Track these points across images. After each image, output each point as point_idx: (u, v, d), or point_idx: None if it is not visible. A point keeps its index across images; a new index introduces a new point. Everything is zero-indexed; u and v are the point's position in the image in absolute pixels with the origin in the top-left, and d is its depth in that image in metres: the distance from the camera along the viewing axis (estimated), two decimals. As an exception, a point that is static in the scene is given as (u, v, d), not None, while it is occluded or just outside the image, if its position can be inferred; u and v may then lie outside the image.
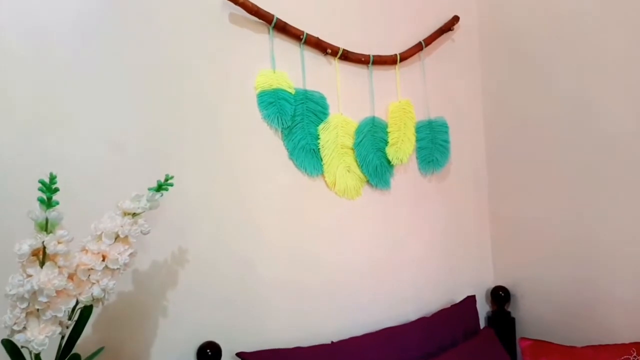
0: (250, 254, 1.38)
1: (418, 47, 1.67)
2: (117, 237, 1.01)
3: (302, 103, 1.47)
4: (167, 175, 1.09)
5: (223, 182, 1.34)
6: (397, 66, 1.64)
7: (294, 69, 1.46)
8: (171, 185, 1.09)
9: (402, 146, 1.63)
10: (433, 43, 1.71)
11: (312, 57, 1.50)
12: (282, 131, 1.44)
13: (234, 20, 1.38)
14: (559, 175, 1.63)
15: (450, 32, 1.75)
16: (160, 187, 1.08)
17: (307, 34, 1.45)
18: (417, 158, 1.69)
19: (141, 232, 1.04)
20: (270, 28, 1.41)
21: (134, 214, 1.04)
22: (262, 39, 1.42)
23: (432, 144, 1.70)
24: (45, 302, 0.87)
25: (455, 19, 1.75)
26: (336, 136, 1.52)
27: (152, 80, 1.26)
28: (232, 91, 1.37)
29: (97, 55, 1.19)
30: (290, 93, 1.44)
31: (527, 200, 1.72)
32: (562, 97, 1.60)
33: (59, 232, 0.88)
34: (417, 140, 1.67)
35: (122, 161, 1.21)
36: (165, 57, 1.28)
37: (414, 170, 1.69)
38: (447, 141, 1.73)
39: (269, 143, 1.42)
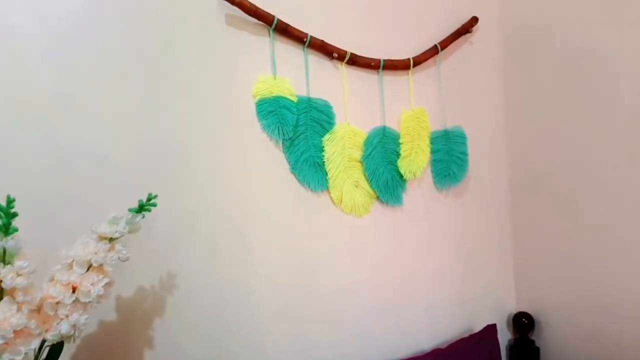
0: (246, 278, 1.26)
1: (433, 51, 1.55)
2: (90, 266, 0.90)
3: (306, 112, 1.36)
4: (149, 194, 0.99)
5: (216, 199, 1.24)
6: (410, 71, 1.53)
7: (296, 75, 1.35)
8: (154, 205, 0.98)
9: (415, 159, 1.51)
10: (450, 46, 1.59)
11: (316, 61, 1.39)
12: (283, 143, 1.33)
13: (231, 22, 1.27)
14: (590, 192, 1.49)
15: (468, 34, 1.62)
16: (141, 208, 0.97)
17: (311, 36, 1.34)
18: (432, 171, 1.57)
19: (119, 259, 0.94)
20: (271, 30, 1.31)
21: (111, 239, 0.93)
22: (261, 42, 1.31)
23: (449, 156, 1.58)
24: (1, 344, 0.76)
25: (474, 19, 1.62)
26: (343, 148, 1.41)
27: (138, 86, 1.16)
28: (228, 99, 1.26)
29: (79, 61, 1.09)
30: (292, 101, 1.33)
31: (554, 218, 1.59)
32: (596, 104, 1.47)
33: (18, 263, 0.78)
34: (432, 152, 1.55)
35: (104, 176, 1.10)
36: (153, 62, 1.18)
37: (429, 184, 1.57)
38: (465, 153, 1.60)
39: (268, 155, 1.31)
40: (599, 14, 1.44)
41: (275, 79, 1.31)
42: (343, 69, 1.43)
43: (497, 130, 1.71)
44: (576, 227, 1.53)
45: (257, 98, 1.29)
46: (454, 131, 1.59)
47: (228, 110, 1.26)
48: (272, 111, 1.30)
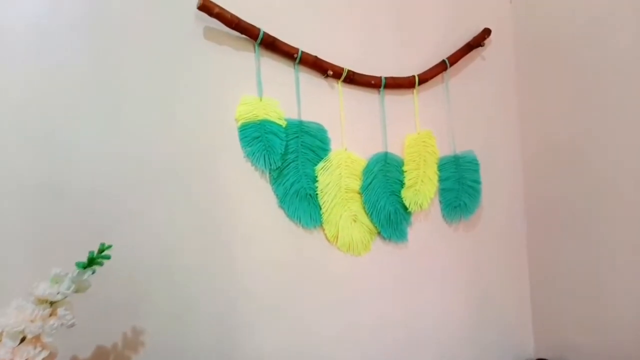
0: (227, 331, 1.11)
1: (441, 67, 1.40)
2: (24, 338, 0.75)
3: (296, 137, 1.21)
4: (102, 244, 0.84)
5: (191, 240, 1.08)
6: (415, 90, 1.38)
7: (286, 96, 1.21)
8: (107, 258, 0.84)
9: (421, 188, 1.35)
10: (459, 61, 1.44)
11: (309, 80, 1.24)
12: (270, 173, 1.18)
13: (210, 36, 1.13)
14: (615, 224, 1.33)
15: (480, 47, 1.48)
16: (92, 262, 0.82)
17: (302, 51, 1.20)
18: (440, 202, 1.41)
19: (62, 325, 0.78)
20: (256, 45, 1.16)
21: (52, 302, 0.78)
22: (245, 58, 1.17)
23: (459, 184, 1.42)
24: None
25: (486, 32, 1.48)
26: (339, 178, 1.26)
27: (98, 110, 1.01)
28: (207, 123, 1.12)
29: (38, 80, 0.95)
30: (281, 125, 1.18)
31: (576, 253, 1.42)
32: (618, 126, 1.31)
33: None
34: (440, 180, 1.40)
35: (58, 213, 0.95)
36: (118, 82, 1.03)
37: (437, 217, 1.41)
38: (477, 181, 1.44)
39: (253, 188, 1.16)
40: (620, 26, 1.29)
41: (261, 100, 1.17)
42: (339, 88, 1.28)
43: (512, 155, 1.55)
44: (601, 263, 1.37)
45: (240, 122, 1.15)
46: (465, 156, 1.44)
47: (206, 136, 1.11)
48: (258, 137, 1.16)
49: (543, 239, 1.52)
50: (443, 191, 1.41)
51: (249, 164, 1.16)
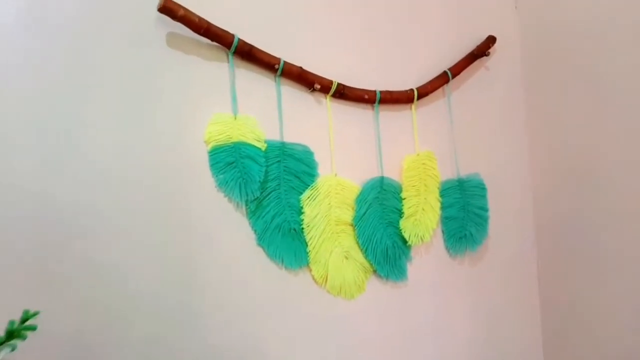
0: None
1: (442, 79, 1.25)
2: None
3: (278, 161, 1.04)
4: (26, 311, 0.66)
5: (153, 289, 0.90)
6: (413, 105, 1.22)
7: (265, 113, 1.04)
8: (33, 328, 0.65)
9: (422, 218, 1.19)
10: (462, 72, 1.29)
11: (292, 94, 1.08)
12: (247, 205, 1.00)
13: (175, 43, 0.96)
14: (636, 253, 1.19)
15: (484, 57, 1.33)
16: (11, 335, 0.64)
17: (284, 61, 1.04)
18: (443, 232, 1.25)
19: None
20: (230, 54, 1.00)
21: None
22: (217, 69, 1.00)
23: (464, 212, 1.26)
24: None
25: (491, 40, 1.34)
26: (329, 208, 1.09)
27: (39, 139, 0.83)
28: (170, 147, 0.95)
29: None
30: (259, 148, 1.01)
31: (595, 291, 1.27)
32: (636, 141, 1.17)
33: None
34: (443, 207, 1.24)
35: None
36: (63, 98, 0.85)
37: (439, 250, 1.25)
38: (484, 208, 1.29)
39: (226, 222, 0.99)
40: (636, 33, 1.16)
41: (235, 119, 1.00)
42: (328, 103, 1.12)
43: (520, 177, 1.40)
44: (617, 293, 1.22)
45: (211, 145, 0.98)
46: (470, 180, 1.28)
47: (169, 162, 0.94)
48: (232, 163, 0.99)
49: (557, 273, 1.36)
50: (446, 220, 1.25)
51: (222, 194, 0.99)
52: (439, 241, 1.25)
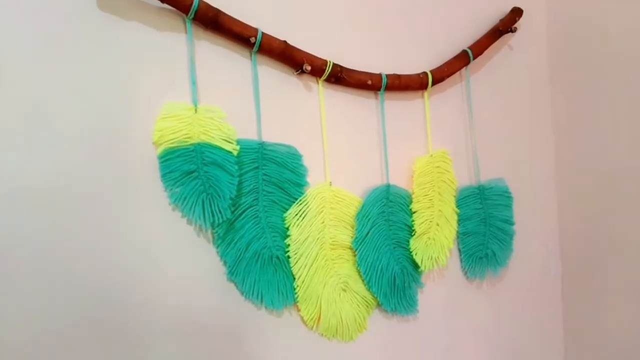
0: None
1: (462, 60, 1.01)
2: None
3: (255, 169, 0.79)
4: None
5: (79, 337, 0.65)
6: (426, 93, 0.98)
7: (237, 103, 0.79)
8: None
9: (437, 235, 0.96)
10: (484, 52, 1.05)
11: (274, 78, 0.82)
12: (213, 229, 0.75)
13: (113, 7, 0.69)
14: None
15: (509, 34, 1.09)
16: None
17: (263, 33, 0.78)
18: (459, 251, 1.03)
19: None
20: (188, 20, 0.73)
21: None
22: (171, 42, 0.73)
23: (485, 226, 1.04)
24: None
25: (517, 13, 1.10)
26: (322, 227, 0.85)
27: None
28: (104, 149, 0.68)
29: None
30: (230, 152, 0.75)
31: (629, 316, 1.07)
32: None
33: None
34: (460, 220, 1.01)
35: None
36: None
37: (455, 272, 1.03)
38: (509, 221, 1.06)
39: (185, 252, 0.74)
40: None
41: (196, 111, 0.74)
42: (320, 90, 0.87)
43: (546, 183, 1.18)
44: None
45: (162, 148, 0.72)
46: (493, 187, 1.05)
47: (102, 170, 0.68)
48: (192, 172, 0.73)
49: (581, 296, 1.16)
50: (464, 236, 1.02)
51: (179, 214, 0.73)
52: (454, 262, 1.02)
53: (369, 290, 0.89)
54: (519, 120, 1.13)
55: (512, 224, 1.06)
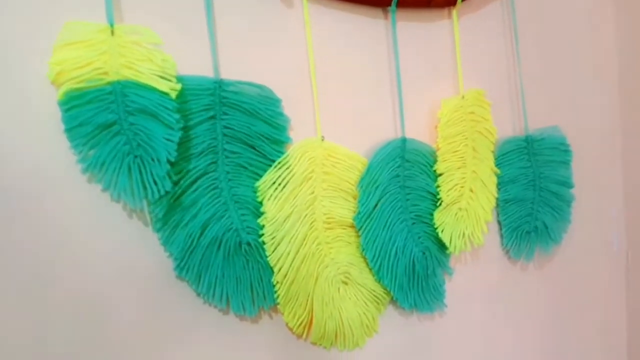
0: None
1: (504, -36, 0.75)
2: None
3: (212, 118, 0.56)
4: None
5: None
6: (454, 10, 0.72)
7: (178, 20, 0.54)
8: None
9: (470, 205, 0.73)
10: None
11: (234, -14, 0.58)
12: (149, 207, 0.53)
13: None
14: None
15: None
16: None
17: None
18: (499, 224, 0.79)
19: None
20: None
21: None
22: None
23: (534, 191, 0.79)
24: None
25: None
26: (311, 200, 0.62)
27: None
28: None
29: None
30: (167, 95, 0.52)
31: None
32: None
33: None
34: (501, 183, 0.77)
35: None
36: None
37: (493, 251, 0.79)
38: (567, 183, 0.82)
39: (110, 240, 0.52)
40: None
41: (113, 32, 0.50)
42: (305, 4, 0.62)
43: (609, 136, 0.92)
44: None
45: (64, 90, 0.49)
46: (545, 138, 0.80)
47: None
48: (111, 125, 0.50)
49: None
50: (505, 204, 0.78)
51: (97, 188, 0.51)
52: (492, 238, 0.79)
53: (378, 282, 0.67)
54: (579, 49, 0.86)
55: (570, 186, 0.81)
